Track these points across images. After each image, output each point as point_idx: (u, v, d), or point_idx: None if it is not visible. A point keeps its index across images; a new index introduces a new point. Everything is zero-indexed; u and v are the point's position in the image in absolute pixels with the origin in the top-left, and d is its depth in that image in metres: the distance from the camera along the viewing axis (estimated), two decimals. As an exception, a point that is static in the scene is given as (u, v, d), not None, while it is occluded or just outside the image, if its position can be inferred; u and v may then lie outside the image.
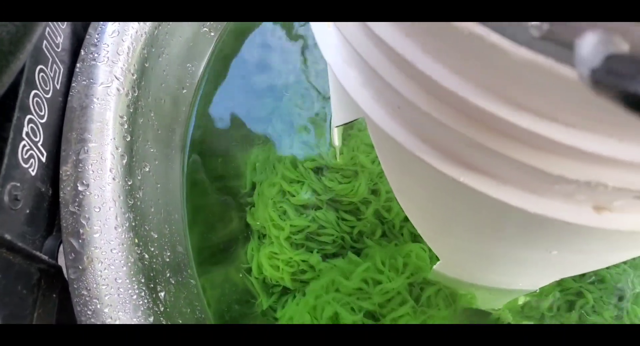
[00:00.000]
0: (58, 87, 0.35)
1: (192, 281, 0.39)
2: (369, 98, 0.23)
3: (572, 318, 0.44)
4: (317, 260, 0.44)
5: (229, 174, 0.49)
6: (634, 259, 0.46)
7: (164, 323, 0.31)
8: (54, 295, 0.31)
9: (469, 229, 0.27)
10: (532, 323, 0.46)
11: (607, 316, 0.44)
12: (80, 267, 0.29)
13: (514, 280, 0.35)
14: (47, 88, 0.33)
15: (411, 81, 0.19)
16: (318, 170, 0.47)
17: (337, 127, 0.34)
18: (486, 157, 0.20)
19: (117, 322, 0.28)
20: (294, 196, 0.46)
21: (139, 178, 0.36)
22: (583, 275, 0.46)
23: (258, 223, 0.46)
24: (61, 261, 0.31)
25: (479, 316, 0.45)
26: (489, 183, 0.21)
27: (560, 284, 0.46)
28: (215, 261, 0.44)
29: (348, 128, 0.48)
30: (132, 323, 0.29)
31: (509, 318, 0.44)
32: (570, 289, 0.46)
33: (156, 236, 0.36)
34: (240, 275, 0.45)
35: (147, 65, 0.39)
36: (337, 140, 0.46)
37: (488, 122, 0.18)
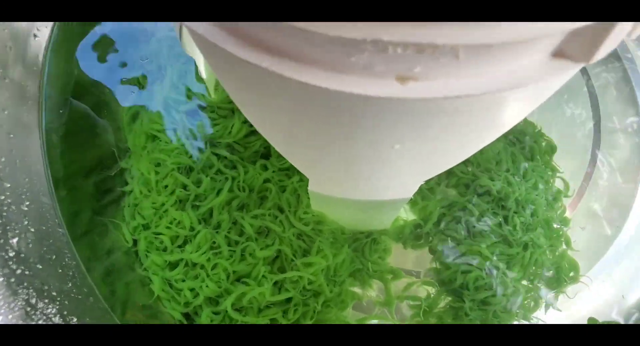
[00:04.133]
0: None
1: (59, 230, 0.38)
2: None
3: (459, 229, 0.45)
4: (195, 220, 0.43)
5: (105, 125, 0.47)
6: (516, 166, 0.47)
7: (12, 268, 0.30)
8: None
9: (303, 129, 0.27)
10: (419, 242, 0.47)
11: (492, 224, 0.45)
12: None
13: (382, 187, 0.35)
14: None
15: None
16: (193, 112, 0.46)
17: (185, 45, 0.32)
18: (281, 36, 0.20)
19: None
20: (167, 143, 0.45)
21: (-21, 125, 0.34)
22: (467, 188, 0.47)
23: (134, 176, 0.45)
24: None
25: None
26: (289, 65, 0.20)
27: (447, 201, 0.47)
28: (91, 213, 0.42)
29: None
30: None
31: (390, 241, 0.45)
32: (457, 204, 0.47)
33: (9, 185, 0.34)
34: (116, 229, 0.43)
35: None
36: (204, 72, 0.44)
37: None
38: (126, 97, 0.48)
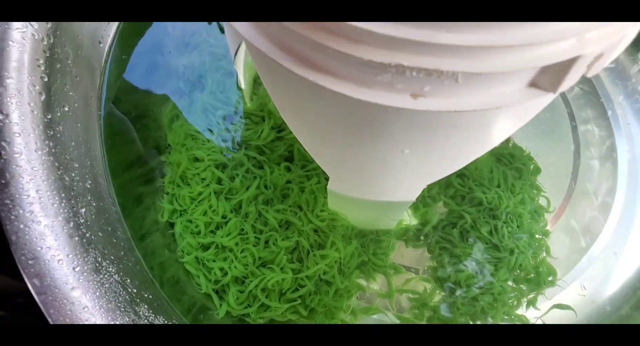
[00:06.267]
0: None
1: (113, 208, 0.44)
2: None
3: (455, 234, 0.51)
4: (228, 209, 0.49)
5: (149, 124, 0.54)
6: (506, 183, 0.54)
7: (83, 231, 0.36)
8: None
9: (334, 131, 0.33)
10: (419, 242, 0.53)
11: (484, 231, 0.51)
12: (2, 182, 0.33)
13: (391, 189, 0.41)
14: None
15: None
16: (229, 117, 0.53)
17: (234, 60, 0.39)
18: (325, 57, 0.26)
19: (41, 225, 0.33)
20: (204, 142, 0.51)
21: (58, 115, 0.40)
22: (463, 199, 0.53)
23: (174, 169, 0.51)
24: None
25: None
26: (330, 79, 0.27)
27: (445, 208, 0.53)
28: (136, 197, 0.49)
29: (257, 76, 0.54)
30: (52, 226, 0.33)
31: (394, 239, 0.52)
32: (454, 212, 0.53)
33: (77, 165, 0.40)
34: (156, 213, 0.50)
35: (62, 16, 0.43)
36: (243, 83, 0.51)
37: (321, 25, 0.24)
38: (167, 101, 0.55)
